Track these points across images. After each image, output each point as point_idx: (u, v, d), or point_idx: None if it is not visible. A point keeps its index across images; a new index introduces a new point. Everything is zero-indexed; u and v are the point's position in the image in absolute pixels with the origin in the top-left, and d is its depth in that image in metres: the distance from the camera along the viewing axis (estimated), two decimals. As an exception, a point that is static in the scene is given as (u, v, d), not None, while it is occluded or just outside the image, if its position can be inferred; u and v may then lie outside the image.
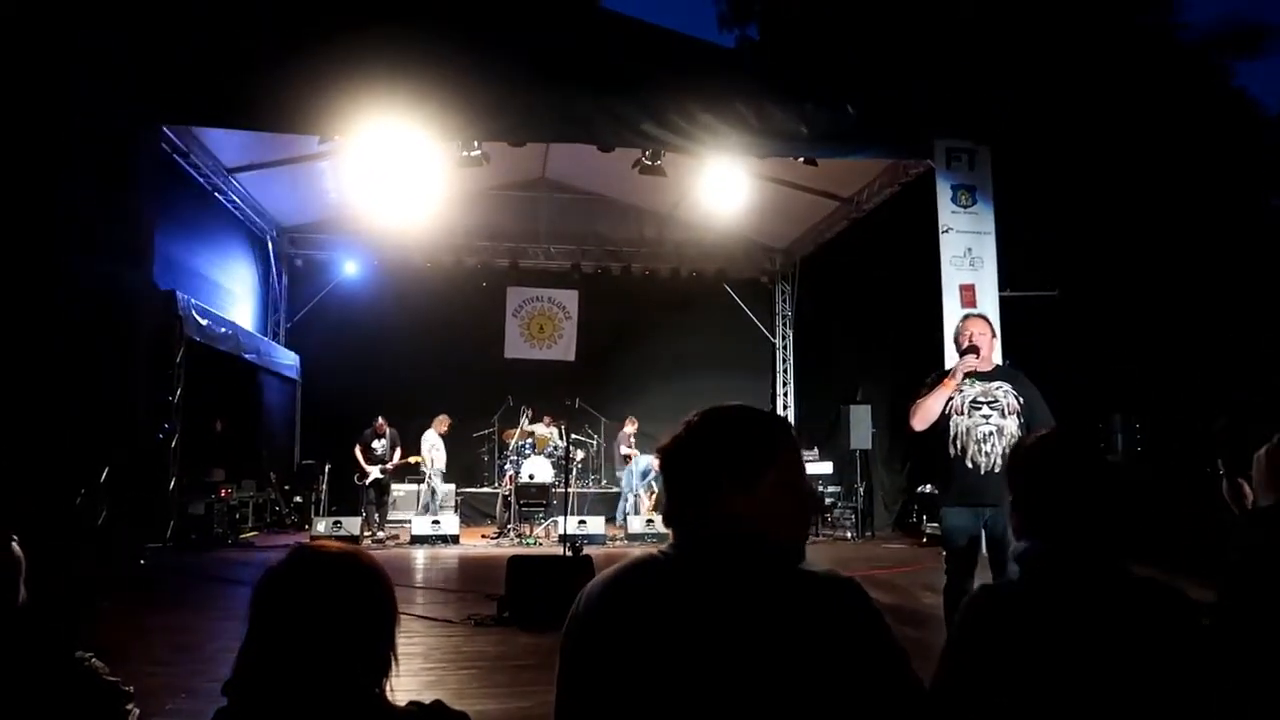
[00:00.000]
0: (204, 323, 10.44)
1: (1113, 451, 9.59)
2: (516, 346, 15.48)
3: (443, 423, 12.74)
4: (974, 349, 4.43)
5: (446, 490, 12.91)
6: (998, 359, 4.70)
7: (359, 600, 1.38)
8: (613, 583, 1.43)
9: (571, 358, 15.49)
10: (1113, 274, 10.93)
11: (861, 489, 12.32)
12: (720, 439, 1.41)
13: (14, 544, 1.79)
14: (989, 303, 9.04)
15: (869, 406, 12.15)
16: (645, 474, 13.08)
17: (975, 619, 1.68)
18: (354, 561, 1.41)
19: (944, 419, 4.39)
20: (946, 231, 9.29)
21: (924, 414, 4.42)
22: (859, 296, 12.90)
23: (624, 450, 13.63)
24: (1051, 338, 10.33)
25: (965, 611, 1.71)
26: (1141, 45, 16.04)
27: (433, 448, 12.54)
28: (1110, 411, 9.88)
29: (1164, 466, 9.09)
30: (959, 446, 4.34)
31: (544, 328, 15.66)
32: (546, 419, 13.47)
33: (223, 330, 11.15)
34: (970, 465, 4.29)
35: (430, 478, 12.49)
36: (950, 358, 5.79)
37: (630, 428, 13.87)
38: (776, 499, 1.38)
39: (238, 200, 12.49)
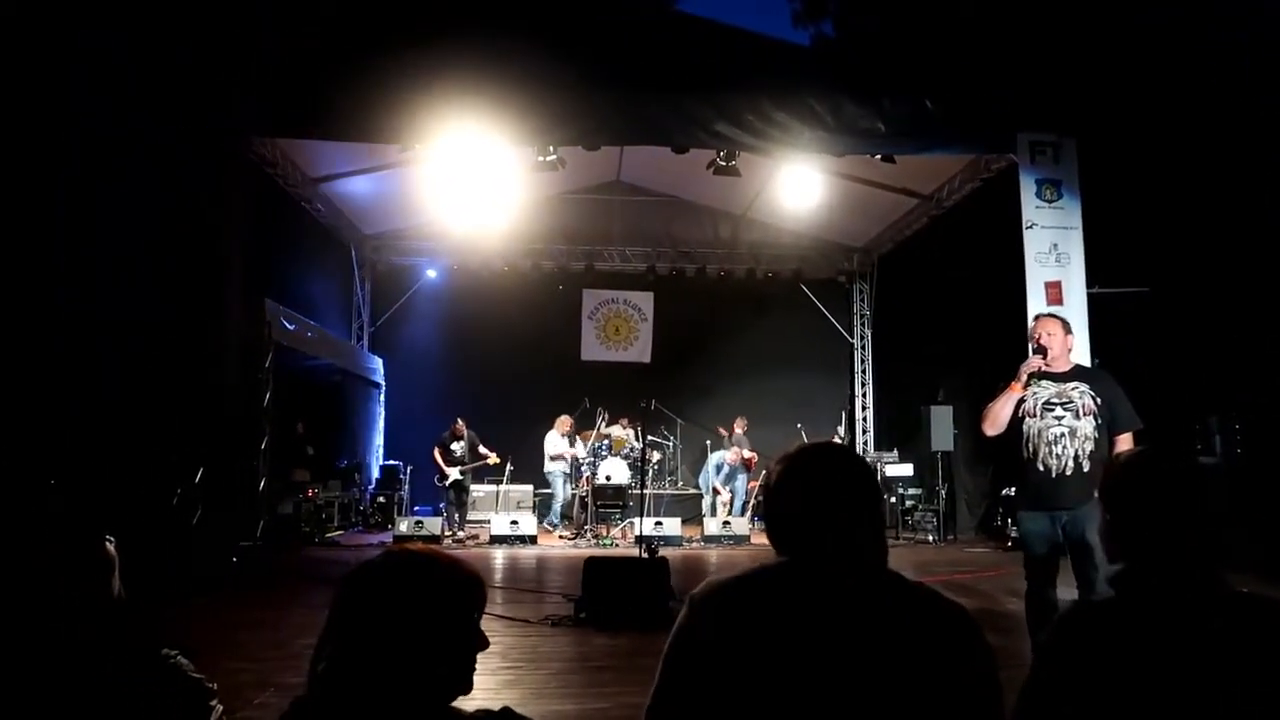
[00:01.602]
0: (291, 328, 10.77)
1: (1210, 454, 9.19)
2: (592, 349, 15.57)
3: (564, 423, 12.80)
4: (1041, 349, 4.34)
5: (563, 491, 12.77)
6: (1080, 359, 4.57)
7: (447, 610, 1.40)
8: (735, 586, 1.55)
9: (647, 359, 15.50)
10: (1209, 268, 10.44)
11: (943, 491, 12.07)
12: (812, 480, 1.59)
13: (108, 544, 1.87)
14: (1076, 300, 8.74)
15: (950, 407, 11.89)
16: (719, 468, 13.02)
17: (1064, 637, 1.64)
18: (454, 568, 1.44)
19: (1018, 421, 4.30)
20: (1031, 227, 9.02)
21: (993, 419, 4.36)
22: (940, 295, 12.60)
23: (746, 453, 13.05)
24: (1144, 336, 9.93)
25: (1055, 629, 1.67)
26: (1242, 25, 15.34)
27: (555, 447, 12.64)
28: (1208, 413, 9.46)
29: (1267, 469, 8.67)
30: (1031, 449, 4.26)
31: (620, 330, 15.72)
32: (623, 421, 13.52)
33: (309, 335, 11.49)
34: (1042, 468, 4.20)
35: (555, 476, 12.57)
36: (1033, 358, 5.64)
37: (739, 429, 13.31)
38: (866, 523, 1.57)
39: (322, 209, 12.84)
